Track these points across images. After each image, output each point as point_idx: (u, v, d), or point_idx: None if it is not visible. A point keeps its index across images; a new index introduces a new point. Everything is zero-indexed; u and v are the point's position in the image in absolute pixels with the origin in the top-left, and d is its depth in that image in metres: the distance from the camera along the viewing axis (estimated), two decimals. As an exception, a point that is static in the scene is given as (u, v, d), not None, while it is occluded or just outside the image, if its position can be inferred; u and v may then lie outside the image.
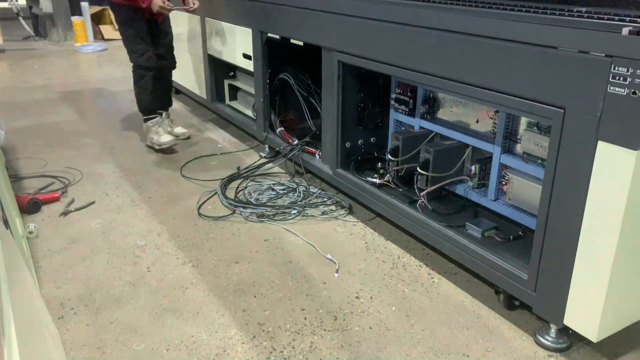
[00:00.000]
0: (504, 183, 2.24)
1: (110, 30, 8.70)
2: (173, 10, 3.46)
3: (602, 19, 1.62)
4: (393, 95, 2.66)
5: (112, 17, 3.62)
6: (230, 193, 3.01)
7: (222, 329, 1.94)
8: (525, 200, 2.14)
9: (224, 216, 2.77)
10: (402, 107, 2.62)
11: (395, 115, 2.69)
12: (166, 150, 3.65)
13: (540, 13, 1.79)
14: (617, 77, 1.45)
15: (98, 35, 8.61)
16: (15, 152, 3.68)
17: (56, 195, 2.97)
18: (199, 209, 2.86)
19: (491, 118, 2.25)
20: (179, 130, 3.93)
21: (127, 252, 2.46)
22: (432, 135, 2.50)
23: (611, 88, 1.47)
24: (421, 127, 2.56)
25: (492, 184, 2.28)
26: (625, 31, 1.45)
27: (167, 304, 2.08)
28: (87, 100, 5.18)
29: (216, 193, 3.01)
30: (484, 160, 2.33)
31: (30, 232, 2.56)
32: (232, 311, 2.04)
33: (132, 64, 3.61)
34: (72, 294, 2.14)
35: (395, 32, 2.25)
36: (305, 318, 2.00)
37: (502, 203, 2.27)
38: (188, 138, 3.95)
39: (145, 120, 3.69)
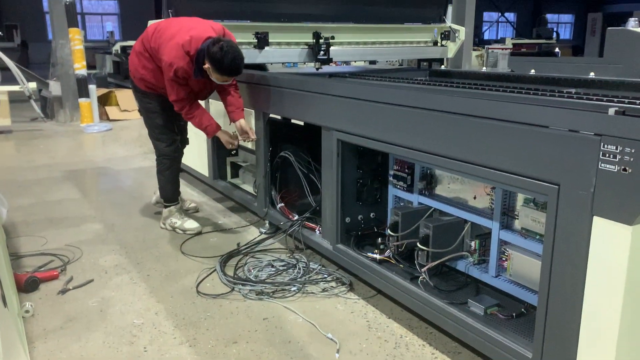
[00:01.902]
0: (504, 259, 2.24)
1: (115, 111, 8.96)
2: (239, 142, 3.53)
3: (591, 99, 1.69)
4: (391, 172, 2.72)
5: (139, 105, 3.62)
6: (230, 270, 2.99)
7: (219, 412, 1.87)
8: (526, 277, 2.14)
9: (222, 294, 2.74)
10: (401, 183, 2.67)
11: (394, 191, 2.74)
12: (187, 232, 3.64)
13: (532, 94, 1.88)
14: (607, 155, 1.50)
15: (104, 116, 8.85)
16: (16, 230, 3.69)
17: (55, 273, 2.95)
18: (197, 286, 2.83)
19: (488, 194, 2.28)
20: (189, 205, 3.98)
21: (124, 331, 2.42)
22: (430, 210, 2.53)
23: (602, 165, 1.51)
24: (420, 203, 2.59)
25: (493, 260, 2.28)
26: (611, 111, 1.52)
27: (163, 386, 2.02)
28: (90, 178, 5.26)
29: (215, 270, 2.99)
30: (484, 236, 2.34)
31: (27, 311, 2.52)
32: (230, 393, 1.97)
33: (156, 153, 3.63)
34: (66, 376, 2.08)
35: (391, 112, 2.34)
36: (305, 401, 1.93)
37: (503, 279, 2.26)
38: (197, 211, 3.99)
39: (167, 206, 3.71)
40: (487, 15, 34.13)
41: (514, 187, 1.94)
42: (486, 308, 2.16)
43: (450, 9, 12.14)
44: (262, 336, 2.37)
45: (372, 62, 5.80)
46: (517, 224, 2.17)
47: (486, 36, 32.99)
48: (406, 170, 2.63)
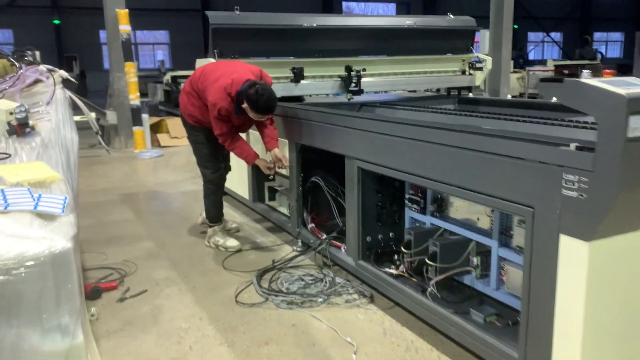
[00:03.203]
0: (502, 273, 2.53)
1: (166, 138, 9.60)
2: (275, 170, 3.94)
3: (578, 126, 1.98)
4: (407, 196, 3.04)
5: (189, 136, 4.08)
6: (265, 283, 3.36)
7: (250, 399, 2.23)
8: (520, 288, 2.41)
9: (257, 303, 3.12)
10: (415, 206, 2.99)
11: (410, 213, 3.06)
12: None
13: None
14: (568, 183, 1.80)
15: (155, 143, 9.49)
16: (81, 247, 4.18)
17: (114, 284, 3.40)
18: (236, 296, 3.21)
19: (488, 216, 2.58)
20: (231, 225, 4.42)
21: (173, 333, 2.82)
22: (440, 231, 2.84)
23: (564, 191, 1.81)
24: (431, 224, 2.90)
25: (493, 275, 2.56)
26: (572, 147, 1.82)
27: (205, 378, 2.40)
28: (143, 201, 5.78)
29: (252, 283, 3.37)
30: (485, 253, 2.63)
31: (92, 315, 2.96)
32: (260, 385, 2.33)
33: (203, 179, 4.09)
34: (125, 368, 2.49)
35: (404, 145, 2.68)
36: (323, 392, 2.26)
37: (503, 292, 2.54)
38: (238, 231, 4.43)
39: (212, 226, 4.14)
40: (532, 36, 33.95)
41: (500, 209, 2.25)
42: (485, 317, 2.45)
43: (487, 34, 12.29)
44: (291, 339, 2.72)
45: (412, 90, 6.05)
46: (513, 242, 2.46)
47: (531, 56, 32.78)
48: (420, 195, 2.95)
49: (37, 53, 4.37)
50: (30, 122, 2.13)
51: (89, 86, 22.98)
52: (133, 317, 3.00)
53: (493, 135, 2.16)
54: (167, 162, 8.05)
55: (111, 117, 9.26)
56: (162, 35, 27.80)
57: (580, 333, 1.82)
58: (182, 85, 12.48)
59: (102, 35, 25.33)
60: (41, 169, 1.56)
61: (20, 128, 2.11)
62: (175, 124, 9.78)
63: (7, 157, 1.68)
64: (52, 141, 1.93)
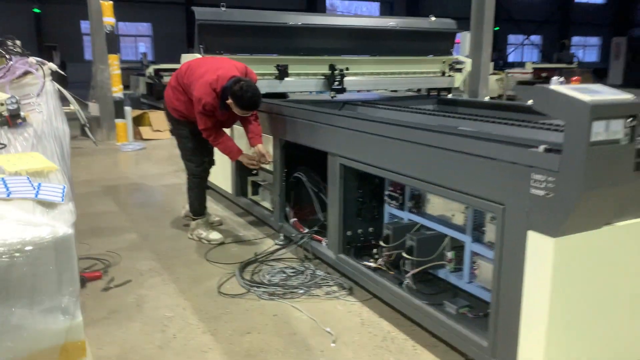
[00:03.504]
0: (475, 267, 2.66)
1: (149, 132, 9.59)
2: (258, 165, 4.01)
3: (542, 127, 2.11)
4: (386, 192, 3.16)
5: (173, 130, 4.13)
6: (247, 275, 3.45)
7: (233, 385, 2.32)
8: (491, 282, 2.54)
9: (240, 294, 3.20)
10: (394, 202, 3.10)
11: (389, 209, 3.17)
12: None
13: (504, 124, 2.30)
14: (536, 182, 1.92)
15: (137, 136, 9.48)
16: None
17: (98, 274, 3.46)
18: (219, 288, 3.29)
19: (463, 213, 2.70)
20: (214, 218, 4.49)
21: (157, 321, 2.89)
22: (417, 226, 2.96)
23: (532, 190, 1.94)
24: (409, 220, 3.02)
25: (466, 268, 2.69)
26: (541, 148, 1.94)
27: (189, 364, 2.48)
28: (126, 193, 5.81)
29: (234, 275, 3.46)
30: (459, 248, 2.76)
31: (77, 304, 3.02)
32: (243, 371, 2.42)
33: (187, 172, 4.16)
34: (111, 354, 2.56)
35: (385, 143, 2.79)
36: (303, 378, 2.37)
37: (475, 285, 2.67)
38: (221, 224, 4.50)
39: (195, 219, 4.20)
40: (513, 38, 34.41)
41: (473, 206, 2.37)
42: (458, 308, 2.57)
43: (468, 36, 12.51)
44: (272, 329, 2.82)
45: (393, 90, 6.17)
46: (486, 238, 2.58)
47: (511, 58, 33.24)
48: (398, 191, 3.07)
49: (18, 42, 4.37)
50: (22, 114, 2.19)
51: (70, 77, 22.62)
52: (118, 306, 3.07)
53: (468, 136, 2.28)
54: (149, 155, 8.07)
55: (93, 109, 9.22)
56: (144, 28, 27.56)
57: (545, 324, 1.95)
58: (165, 78, 12.46)
59: (84, 25, 25.03)
60: (37, 159, 1.62)
61: (12, 119, 2.15)
62: (157, 117, 9.78)
63: (2, 147, 1.74)
64: (45, 132, 1.99)
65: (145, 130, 9.63)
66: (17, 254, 1.09)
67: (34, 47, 22.67)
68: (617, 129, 1.81)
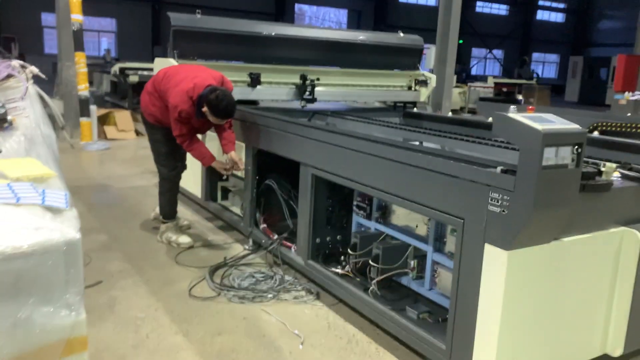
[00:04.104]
0: (436, 276, 2.85)
1: (113, 131, 9.52)
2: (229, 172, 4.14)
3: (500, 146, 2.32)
4: (355, 202, 3.33)
5: (148, 135, 4.20)
6: (217, 278, 3.56)
7: (206, 383, 2.44)
8: (449, 289, 2.74)
9: (210, 297, 3.31)
10: (362, 211, 3.28)
11: (357, 219, 3.34)
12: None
13: (465, 141, 2.48)
14: (493, 200, 2.13)
15: (102, 135, 9.40)
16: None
17: (69, 274, 3.50)
18: (190, 290, 3.39)
19: (426, 224, 2.90)
20: (183, 222, 4.56)
21: (130, 322, 2.98)
22: (383, 235, 3.14)
23: (490, 207, 2.14)
24: (376, 229, 3.20)
25: (427, 276, 2.88)
26: (498, 170, 2.15)
27: (163, 363, 2.58)
28: (93, 194, 5.80)
29: (205, 278, 3.56)
30: (422, 257, 2.95)
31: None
32: (215, 370, 2.54)
33: (159, 176, 4.22)
34: (85, 353, 2.63)
35: (354, 157, 2.96)
36: (273, 377, 2.51)
37: (435, 292, 2.87)
38: (189, 228, 4.58)
39: (165, 222, 4.27)
40: (476, 51, 35.43)
41: (435, 219, 2.57)
42: (419, 313, 2.76)
43: (433, 50, 12.89)
44: (242, 330, 2.94)
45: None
46: (446, 249, 2.78)
47: (474, 71, 34.22)
48: (366, 202, 3.24)
49: None
50: (9, 117, 2.26)
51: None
52: (90, 307, 3.07)
53: (432, 154, 2.47)
54: (114, 156, 8.03)
55: (57, 106, 9.10)
56: (107, 23, 27.09)
57: (497, 328, 2.15)
58: (131, 77, 12.30)
59: (44, 17, 24.44)
60: (35, 165, 1.71)
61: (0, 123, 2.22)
62: (123, 117, 9.73)
63: (-1, 153, 1.83)
64: (36, 138, 2.07)
65: (110, 130, 9.56)
66: (31, 256, 1.20)
67: (-9, 37, 22.01)
68: (565, 155, 2.03)
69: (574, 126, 2.08)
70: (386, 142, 2.79)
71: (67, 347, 1.30)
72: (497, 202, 2.11)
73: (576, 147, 2.05)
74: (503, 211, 2.09)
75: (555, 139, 1.98)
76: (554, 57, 38.96)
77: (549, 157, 1.98)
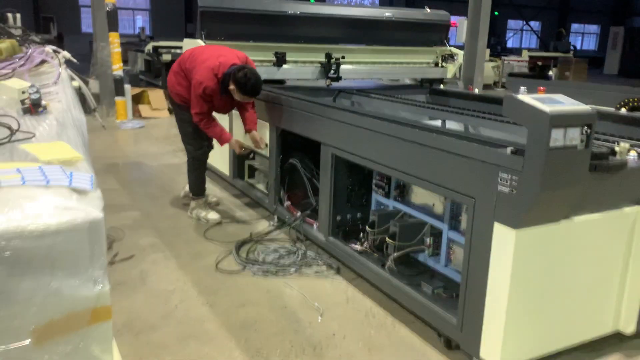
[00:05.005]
0: (451, 253, 2.92)
1: (147, 110, 9.77)
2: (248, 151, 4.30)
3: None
4: (374, 181, 3.41)
5: (175, 114, 4.34)
6: (243, 253, 3.71)
7: (229, 351, 2.60)
8: (464, 266, 2.81)
9: (236, 271, 3.47)
10: (381, 190, 3.36)
11: (376, 197, 3.43)
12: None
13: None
14: (503, 180, 2.18)
15: (136, 114, 9.66)
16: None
17: (104, 248, 3.70)
18: (217, 264, 3.55)
19: (442, 203, 2.96)
20: (212, 199, 4.74)
21: (160, 293, 3.16)
22: (401, 213, 3.21)
23: (499, 187, 2.19)
24: (394, 207, 3.28)
25: (443, 253, 2.96)
26: (508, 151, 2.19)
27: (190, 332, 2.75)
28: (127, 172, 6.04)
29: (231, 253, 3.72)
30: (438, 235, 3.02)
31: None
32: (238, 339, 2.70)
33: (188, 155, 4.38)
34: (118, 322, 2.82)
35: (373, 137, 3.02)
36: (292, 347, 2.65)
37: (450, 268, 2.95)
38: (218, 205, 4.75)
39: (194, 199, 4.45)
40: (512, 23, 34.44)
41: (449, 197, 2.63)
42: (434, 289, 2.84)
43: (465, 23, 12.65)
44: (265, 302, 3.09)
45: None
46: (461, 227, 2.85)
47: (510, 44, 33.31)
48: (385, 181, 3.32)
49: (18, 16, 4.49)
50: (43, 102, 2.41)
51: (67, 49, 22.50)
52: (123, 279, 3.33)
53: (446, 134, 2.53)
54: (148, 134, 8.27)
55: (94, 86, 9.38)
56: (142, 0, 27.41)
57: (505, 305, 2.22)
58: (164, 56, 12.45)
59: (81, -4, 24.94)
60: (64, 148, 1.85)
61: (34, 107, 2.38)
62: (156, 96, 9.95)
63: (32, 137, 1.97)
64: (67, 122, 2.22)
65: (144, 108, 9.80)
66: (60, 234, 1.34)
67: (30, 18, 22.57)
68: (574, 135, 2.06)
69: (583, 107, 2.10)
70: (401, 122, 2.84)
71: (94, 316, 1.44)
72: (507, 182, 2.16)
73: (585, 127, 2.07)
74: (512, 191, 2.14)
75: (562, 120, 2.01)
76: (594, 28, 37.56)
77: (557, 138, 2.02)
